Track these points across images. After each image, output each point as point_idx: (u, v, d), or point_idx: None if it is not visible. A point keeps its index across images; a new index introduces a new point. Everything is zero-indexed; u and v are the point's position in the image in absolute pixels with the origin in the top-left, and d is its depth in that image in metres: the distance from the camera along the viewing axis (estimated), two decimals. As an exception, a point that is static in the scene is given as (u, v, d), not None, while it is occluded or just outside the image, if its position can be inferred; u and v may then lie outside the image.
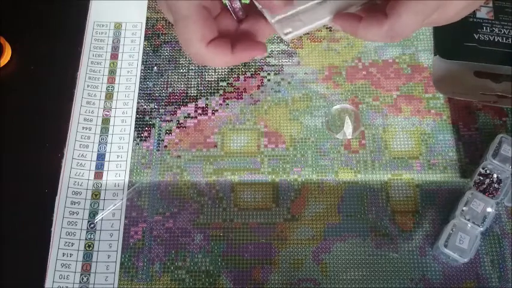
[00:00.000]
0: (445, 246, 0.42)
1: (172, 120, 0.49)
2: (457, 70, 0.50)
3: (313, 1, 0.34)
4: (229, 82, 0.51)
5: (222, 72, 0.52)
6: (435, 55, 0.51)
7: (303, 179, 0.47)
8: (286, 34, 0.33)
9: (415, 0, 0.32)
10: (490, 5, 0.52)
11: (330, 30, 0.53)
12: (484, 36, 0.51)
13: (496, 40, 0.51)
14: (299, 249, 0.44)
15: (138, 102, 0.50)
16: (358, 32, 0.34)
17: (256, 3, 0.34)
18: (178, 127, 0.49)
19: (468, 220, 0.42)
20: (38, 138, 0.48)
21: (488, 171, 0.44)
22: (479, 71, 0.49)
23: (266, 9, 0.34)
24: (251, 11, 0.37)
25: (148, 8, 0.55)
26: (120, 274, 0.43)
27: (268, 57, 0.52)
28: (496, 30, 0.51)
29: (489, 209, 0.43)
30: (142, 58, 0.52)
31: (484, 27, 0.51)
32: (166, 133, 0.49)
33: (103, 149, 0.48)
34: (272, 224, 0.45)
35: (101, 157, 0.48)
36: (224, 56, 0.34)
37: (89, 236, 0.44)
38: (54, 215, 0.45)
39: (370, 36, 0.34)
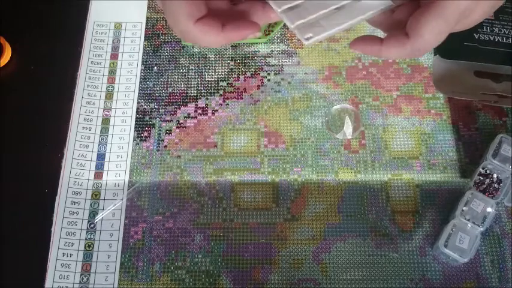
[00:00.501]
0: (445, 246, 0.42)
1: (172, 120, 0.49)
2: (457, 70, 0.50)
3: (332, 7, 0.34)
4: (229, 82, 0.51)
5: (222, 72, 0.52)
6: (435, 55, 0.51)
7: (303, 179, 0.47)
8: (307, 39, 0.33)
9: (435, 19, 0.32)
10: None
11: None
12: (484, 36, 0.51)
13: (496, 40, 0.51)
14: (299, 249, 0.44)
15: (138, 102, 0.50)
16: (380, 54, 0.34)
17: None
18: (178, 127, 0.49)
19: (468, 220, 0.42)
20: (38, 138, 0.48)
21: (488, 171, 0.44)
22: (479, 70, 0.49)
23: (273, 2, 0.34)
24: None
25: (148, 8, 0.55)
26: (120, 274, 0.43)
27: (268, 57, 0.52)
28: (496, 30, 0.51)
29: (489, 209, 0.43)
30: (142, 58, 0.52)
31: (484, 27, 0.51)
32: (166, 133, 0.49)
33: (103, 149, 0.48)
34: (272, 224, 0.45)
35: (101, 157, 0.48)
36: (214, 35, 0.34)
37: (89, 236, 0.44)
38: (54, 215, 0.45)
39: (393, 56, 0.34)
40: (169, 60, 0.52)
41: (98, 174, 0.47)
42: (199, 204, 0.46)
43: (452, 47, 0.51)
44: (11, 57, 0.52)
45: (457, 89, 0.49)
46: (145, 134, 0.49)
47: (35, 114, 0.49)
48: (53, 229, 0.45)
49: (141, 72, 0.52)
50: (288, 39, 0.53)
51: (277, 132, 0.49)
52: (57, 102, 0.50)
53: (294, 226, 0.45)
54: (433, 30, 0.32)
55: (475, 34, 0.51)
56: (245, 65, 0.52)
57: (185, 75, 0.51)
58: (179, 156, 0.48)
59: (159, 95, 0.51)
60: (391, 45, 0.34)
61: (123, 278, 0.43)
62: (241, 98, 0.50)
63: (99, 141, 0.48)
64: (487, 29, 0.51)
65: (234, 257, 0.44)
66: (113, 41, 0.53)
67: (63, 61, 0.52)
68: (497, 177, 0.44)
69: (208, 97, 0.50)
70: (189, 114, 0.50)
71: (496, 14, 0.52)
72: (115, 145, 0.48)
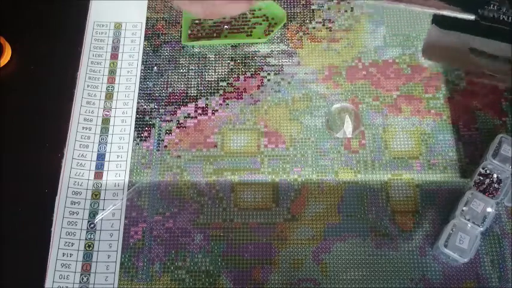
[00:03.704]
0: (445, 246, 0.42)
1: (172, 120, 0.49)
2: (451, 42, 0.49)
3: None
4: (229, 82, 0.51)
5: (222, 72, 0.52)
6: (432, 23, 0.50)
7: (303, 179, 0.47)
8: None
9: None
10: None
11: (330, 30, 0.53)
12: (489, 13, 0.50)
13: (502, 18, 0.49)
14: (299, 249, 0.44)
15: (138, 102, 0.50)
16: None
17: None
18: (178, 127, 0.49)
19: (468, 220, 0.42)
20: (38, 138, 0.48)
21: (488, 171, 0.44)
22: (475, 48, 0.49)
23: None
24: None
25: (148, 8, 0.55)
26: (120, 274, 0.43)
27: (268, 57, 0.52)
28: (504, 9, 0.50)
29: (489, 209, 0.43)
30: (142, 58, 0.52)
31: (492, 5, 0.50)
32: (166, 133, 0.49)
33: (103, 149, 0.48)
34: (272, 224, 0.45)
35: (101, 157, 0.48)
36: None
37: (89, 236, 0.44)
38: (54, 215, 0.45)
39: None
40: (169, 60, 0.52)
41: (98, 174, 0.47)
42: (199, 204, 0.46)
43: (451, 17, 0.50)
44: (11, 57, 0.52)
45: (447, 56, 0.48)
46: (145, 134, 0.49)
47: (35, 114, 0.49)
48: (53, 229, 0.45)
49: (141, 72, 0.52)
50: (288, 39, 0.53)
51: (277, 132, 0.49)
52: (57, 102, 0.50)
53: (294, 226, 0.45)
54: None
55: (479, 10, 0.50)
56: (245, 65, 0.52)
57: (185, 75, 0.51)
58: (179, 156, 0.48)
59: (159, 95, 0.51)
60: None
61: (123, 278, 0.43)
62: (241, 98, 0.50)
63: (99, 141, 0.48)
64: (494, 6, 0.50)
65: (234, 257, 0.44)
66: (113, 41, 0.53)
67: (63, 61, 0.52)
68: (497, 177, 0.44)
69: (208, 97, 0.50)
70: (189, 114, 0.50)
71: None
72: (115, 145, 0.48)
